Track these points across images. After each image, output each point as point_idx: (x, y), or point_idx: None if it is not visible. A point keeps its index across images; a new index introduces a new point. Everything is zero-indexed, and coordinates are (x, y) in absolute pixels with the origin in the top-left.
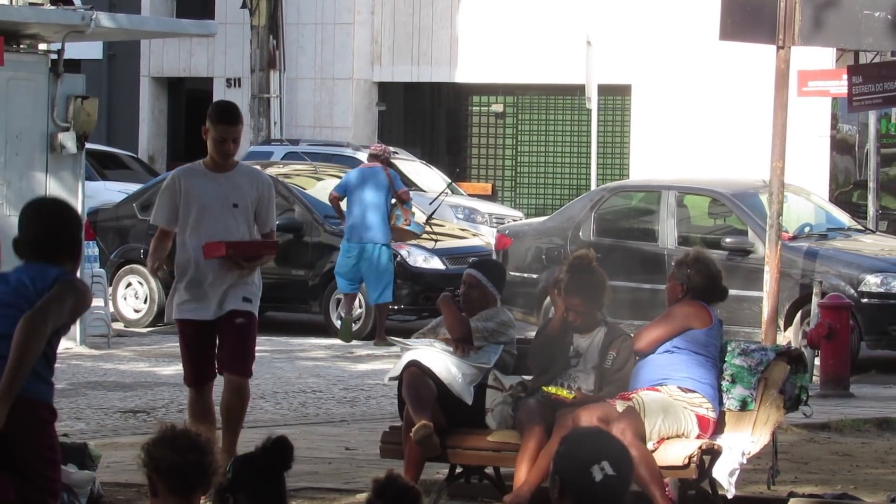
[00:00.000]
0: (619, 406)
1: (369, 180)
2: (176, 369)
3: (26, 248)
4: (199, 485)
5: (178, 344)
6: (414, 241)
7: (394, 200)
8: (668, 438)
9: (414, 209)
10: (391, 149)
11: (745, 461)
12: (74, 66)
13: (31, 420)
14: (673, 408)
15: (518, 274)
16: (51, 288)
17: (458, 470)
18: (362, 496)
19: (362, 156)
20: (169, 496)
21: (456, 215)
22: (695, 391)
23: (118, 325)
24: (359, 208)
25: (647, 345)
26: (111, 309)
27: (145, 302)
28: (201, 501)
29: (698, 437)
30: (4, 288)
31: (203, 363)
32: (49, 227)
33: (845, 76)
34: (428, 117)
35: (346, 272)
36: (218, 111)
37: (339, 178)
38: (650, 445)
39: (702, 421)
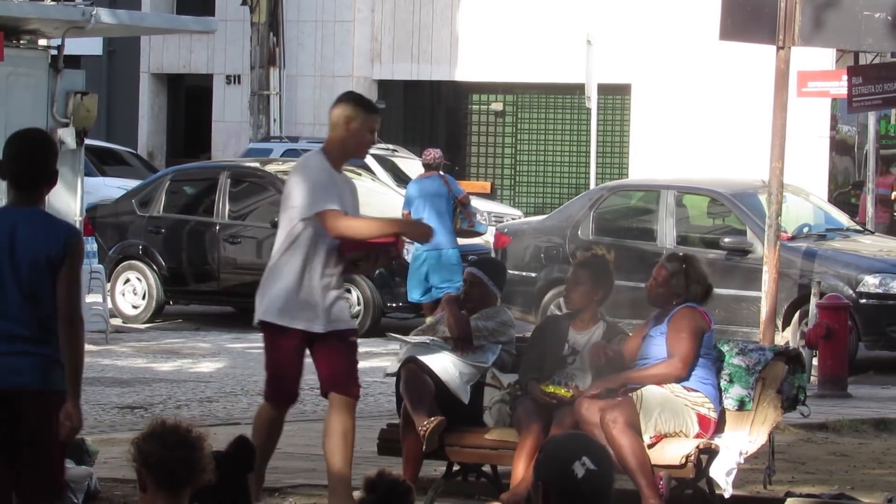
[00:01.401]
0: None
1: (428, 189)
2: (174, 366)
3: (14, 178)
4: (188, 481)
5: (177, 340)
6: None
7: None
8: (667, 435)
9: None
10: (436, 153)
11: (742, 461)
12: (74, 61)
13: (57, 413)
14: (673, 404)
15: (517, 272)
16: (66, 253)
17: (456, 468)
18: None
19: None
20: (157, 491)
21: None
22: (697, 390)
23: (116, 321)
24: (423, 218)
25: (689, 367)
26: (109, 305)
27: (143, 298)
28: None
29: (698, 435)
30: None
31: (299, 378)
32: (34, 161)
33: (845, 77)
34: (427, 115)
35: (416, 281)
36: (367, 101)
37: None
38: (646, 439)
39: (703, 420)
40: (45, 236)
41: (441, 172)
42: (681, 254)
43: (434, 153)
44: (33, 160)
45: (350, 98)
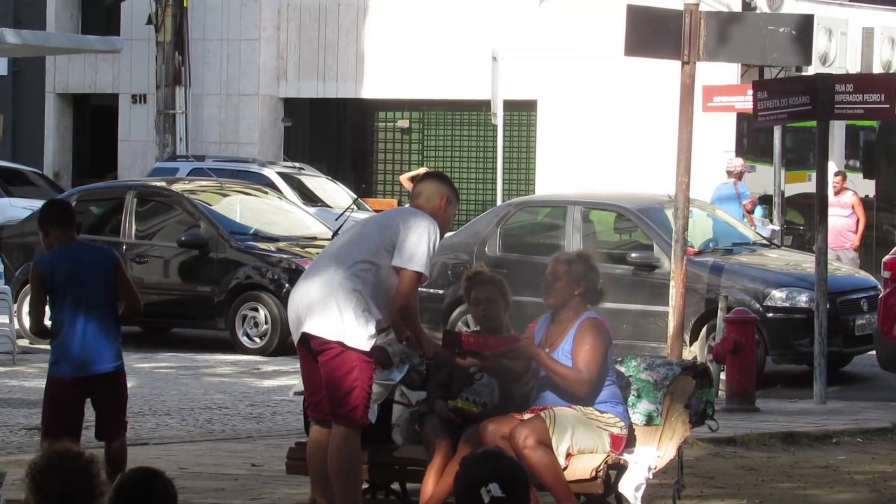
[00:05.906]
0: (527, 418)
1: (723, 195)
2: None
3: (56, 223)
4: None
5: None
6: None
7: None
8: (580, 453)
9: (759, 215)
10: (738, 164)
11: (651, 476)
12: None
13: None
14: (586, 425)
15: (424, 289)
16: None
17: (365, 486)
18: None
19: (268, 171)
20: None
21: None
22: (609, 412)
23: (23, 342)
24: None
25: (591, 381)
26: (16, 325)
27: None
28: None
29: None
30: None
31: None
32: (66, 208)
33: (750, 91)
34: (334, 133)
35: None
36: (456, 189)
37: (246, 193)
38: (560, 461)
39: (615, 440)
40: (97, 259)
41: (736, 180)
42: (577, 250)
43: (735, 163)
44: (65, 208)
45: (447, 182)
